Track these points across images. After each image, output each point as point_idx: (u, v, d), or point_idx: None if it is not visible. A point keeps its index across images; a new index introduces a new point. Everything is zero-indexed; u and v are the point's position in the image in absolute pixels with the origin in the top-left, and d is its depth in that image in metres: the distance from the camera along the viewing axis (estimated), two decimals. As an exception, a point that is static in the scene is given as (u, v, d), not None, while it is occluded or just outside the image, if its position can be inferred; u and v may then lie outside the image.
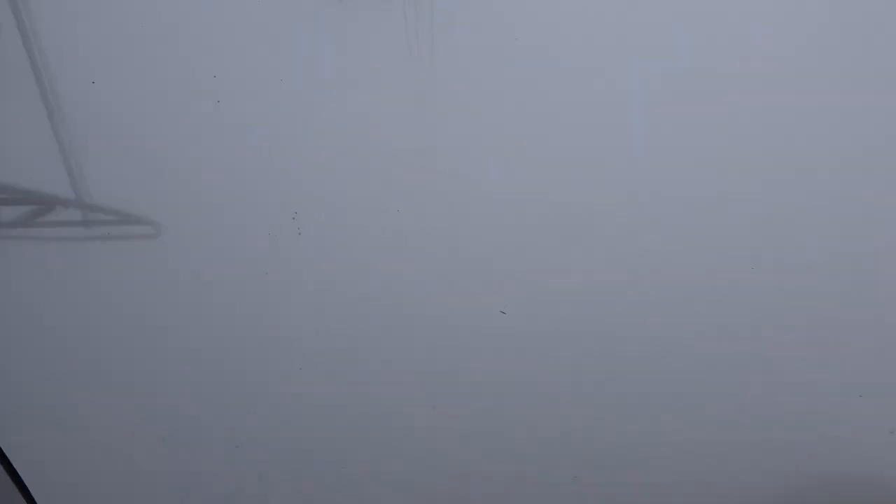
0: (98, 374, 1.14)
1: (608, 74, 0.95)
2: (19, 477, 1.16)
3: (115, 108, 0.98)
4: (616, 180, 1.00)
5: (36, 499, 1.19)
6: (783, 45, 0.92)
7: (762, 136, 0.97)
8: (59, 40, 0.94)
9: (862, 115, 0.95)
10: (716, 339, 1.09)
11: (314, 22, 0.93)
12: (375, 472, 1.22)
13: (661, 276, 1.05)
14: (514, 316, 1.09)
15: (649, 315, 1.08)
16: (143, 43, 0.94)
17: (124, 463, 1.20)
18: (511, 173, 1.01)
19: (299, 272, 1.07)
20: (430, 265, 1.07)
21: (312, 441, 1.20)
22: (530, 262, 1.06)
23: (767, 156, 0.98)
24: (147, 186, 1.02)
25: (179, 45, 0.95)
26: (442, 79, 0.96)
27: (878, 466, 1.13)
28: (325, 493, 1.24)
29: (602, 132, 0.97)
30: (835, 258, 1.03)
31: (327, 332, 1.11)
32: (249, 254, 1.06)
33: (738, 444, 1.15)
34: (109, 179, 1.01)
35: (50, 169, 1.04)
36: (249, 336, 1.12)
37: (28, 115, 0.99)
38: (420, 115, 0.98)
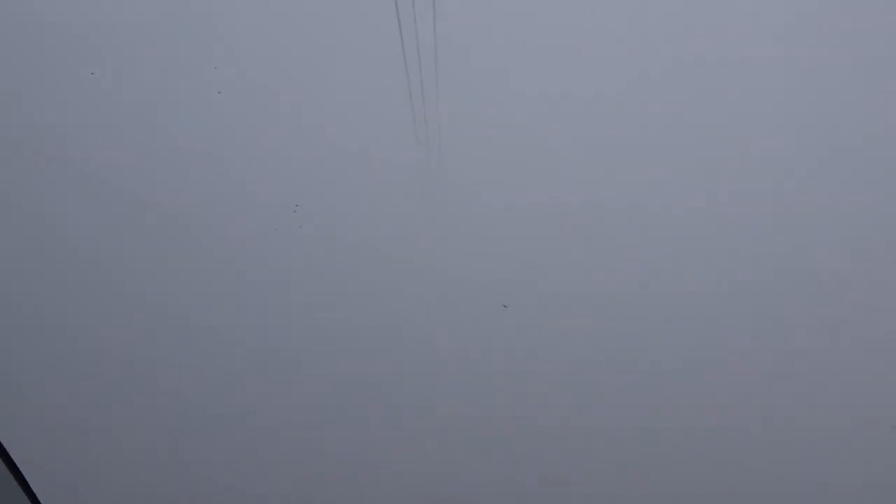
0: (99, 374, 1.15)
1: (608, 77, 0.96)
2: (22, 475, 1.17)
3: (116, 100, 0.99)
4: (617, 180, 1.01)
5: (40, 498, 1.19)
6: (784, 46, 0.92)
7: (763, 138, 0.97)
8: (60, 29, 0.96)
9: (863, 116, 0.95)
10: (715, 337, 1.09)
11: (320, 18, 0.95)
12: (375, 472, 1.22)
13: (662, 274, 1.06)
14: (515, 310, 1.10)
15: (650, 313, 1.08)
16: (144, 34, 0.96)
17: (124, 463, 1.21)
18: (514, 170, 1.02)
19: (300, 265, 1.08)
20: (433, 259, 1.08)
21: (312, 441, 1.20)
22: (532, 257, 1.07)
23: (768, 157, 0.98)
24: (147, 179, 1.03)
25: (182, 36, 0.96)
26: (443, 74, 0.97)
27: (878, 462, 1.11)
28: (326, 493, 1.24)
29: (603, 134, 0.98)
30: (833, 257, 1.03)
31: (328, 328, 1.12)
32: (250, 247, 1.07)
33: (737, 440, 1.14)
34: (110, 171, 1.03)
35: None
36: (250, 332, 1.13)
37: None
38: (421, 109, 0.99)
